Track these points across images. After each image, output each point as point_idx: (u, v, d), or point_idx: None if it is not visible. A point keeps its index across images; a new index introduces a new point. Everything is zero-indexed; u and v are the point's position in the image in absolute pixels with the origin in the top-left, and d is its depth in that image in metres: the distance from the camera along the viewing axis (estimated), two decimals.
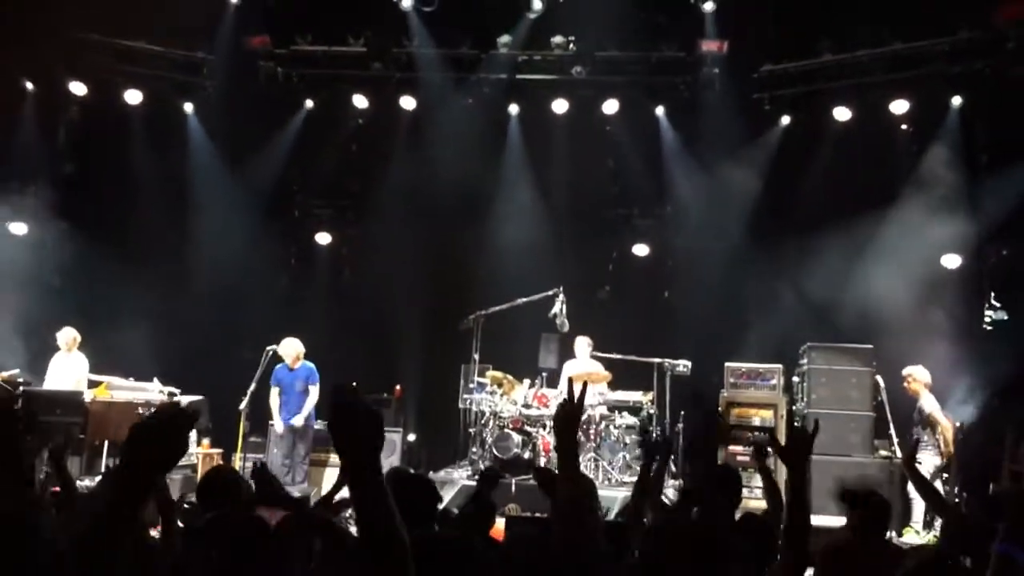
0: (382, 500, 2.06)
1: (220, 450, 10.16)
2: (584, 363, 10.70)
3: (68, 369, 9.95)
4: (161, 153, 12.17)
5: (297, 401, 9.93)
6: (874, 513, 4.69)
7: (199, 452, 9.77)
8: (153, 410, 3.23)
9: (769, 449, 9.34)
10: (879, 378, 9.70)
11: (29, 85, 11.65)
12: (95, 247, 11.10)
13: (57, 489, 5.28)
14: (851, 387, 9.92)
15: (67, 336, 10.02)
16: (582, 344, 10.75)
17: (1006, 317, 10.48)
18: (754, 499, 7.67)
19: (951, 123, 11.14)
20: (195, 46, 12.17)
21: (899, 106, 11.27)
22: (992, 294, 10.70)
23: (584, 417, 10.05)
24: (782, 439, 9.64)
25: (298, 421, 9.85)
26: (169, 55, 12.17)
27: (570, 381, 3.16)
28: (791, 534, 3.28)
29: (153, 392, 9.74)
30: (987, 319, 10.59)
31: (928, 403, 9.33)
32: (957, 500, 8.80)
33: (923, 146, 11.26)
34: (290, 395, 9.95)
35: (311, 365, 10.10)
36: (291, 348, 10.01)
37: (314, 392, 9.97)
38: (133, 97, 11.96)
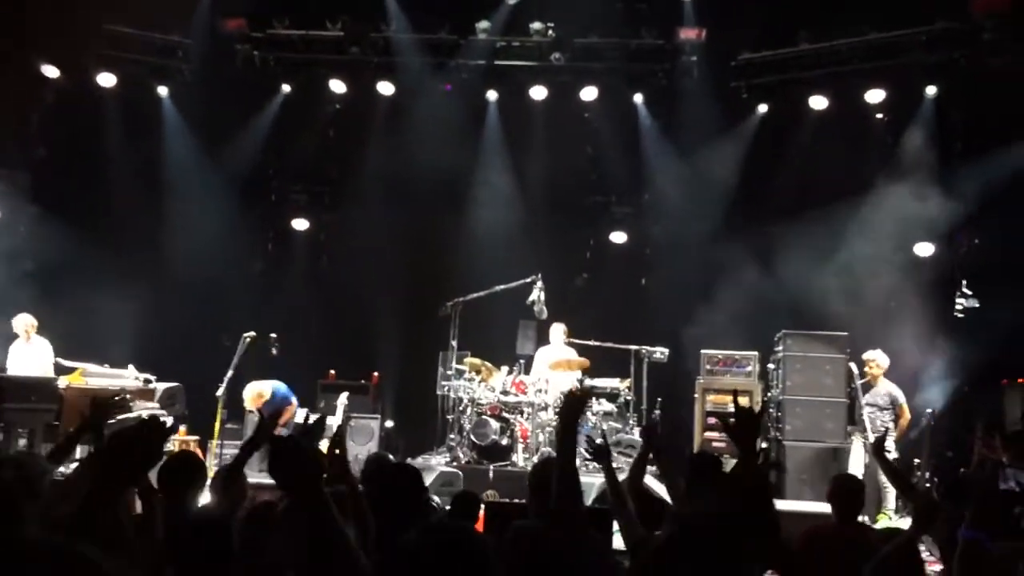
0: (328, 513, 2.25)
1: (196, 437, 10.09)
2: (558, 350, 10.74)
3: (30, 356, 9.70)
4: (136, 137, 12.05)
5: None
6: (849, 494, 4.78)
7: (176, 439, 9.70)
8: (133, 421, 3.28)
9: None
10: (853, 365, 9.81)
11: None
12: (69, 232, 10.98)
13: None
14: (825, 374, 10.03)
15: (23, 323, 9.74)
16: (557, 331, 10.79)
17: (977, 305, 10.62)
18: None
19: (926, 112, 11.26)
20: (171, 29, 12.02)
21: (875, 95, 11.37)
22: (964, 282, 10.84)
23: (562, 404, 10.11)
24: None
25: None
26: (144, 38, 12.01)
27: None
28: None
29: (129, 379, 9.65)
30: (959, 307, 10.73)
31: (897, 391, 9.47)
32: (928, 485, 8.94)
33: (898, 135, 11.37)
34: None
35: (282, 390, 9.79)
36: (251, 394, 9.53)
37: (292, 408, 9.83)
38: (107, 80, 11.81)
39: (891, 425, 9.28)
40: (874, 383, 9.54)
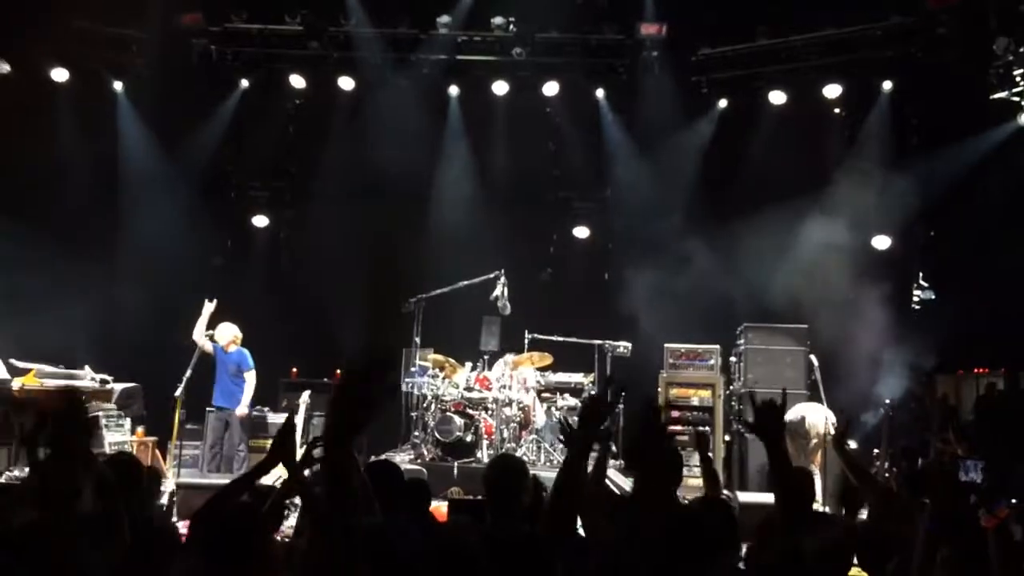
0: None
1: (155, 438, 9.94)
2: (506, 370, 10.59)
3: None
4: (90, 134, 11.80)
5: (228, 384, 9.76)
6: (798, 485, 4.84)
7: (133, 440, 9.54)
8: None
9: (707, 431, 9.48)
10: (813, 357, 9.91)
11: None
12: (22, 231, 10.75)
13: None
14: (786, 366, 10.13)
15: None
16: (505, 361, 10.63)
17: (934, 297, 10.80)
18: (693, 477, 7.79)
19: (882, 107, 11.42)
20: (125, 23, 11.80)
21: (832, 90, 11.50)
22: (920, 274, 11.02)
23: (531, 400, 10.11)
24: (719, 419, 9.72)
25: (242, 411, 9.68)
26: (98, 32, 11.78)
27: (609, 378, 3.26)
28: (783, 512, 3.18)
29: (85, 379, 9.48)
30: (916, 299, 10.90)
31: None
32: (887, 475, 9.06)
33: (855, 130, 11.53)
34: (221, 376, 9.81)
35: (245, 351, 9.90)
36: (226, 332, 9.82)
37: (250, 379, 9.79)
38: (60, 75, 11.57)
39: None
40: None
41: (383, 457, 10.10)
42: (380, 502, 3.56)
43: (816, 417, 9.23)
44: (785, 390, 3.73)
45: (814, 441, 9.17)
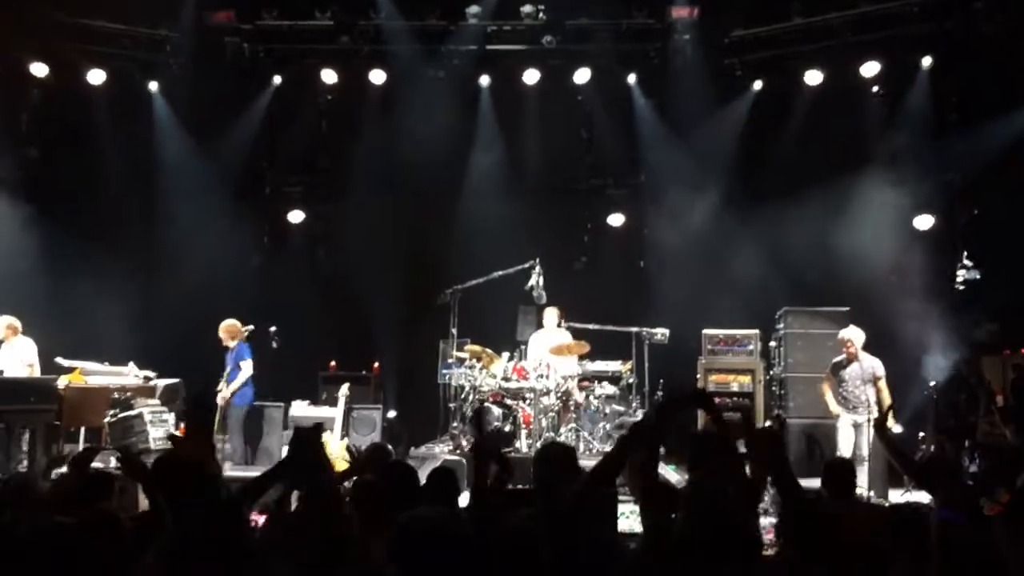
0: None
1: None
2: (553, 334, 10.67)
3: (11, 358, 9.53)
4: (127, 133, 11.97)
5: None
6: (840, 473, 4.79)
7: (178, 435, 9.67)
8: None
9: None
10: None
11: None
12: (63, 230, 10.95)
13: None
14: (827, 350, 9.92)
15: (3, 324, 9.54)
16: (551, 315, 10.72)
17: (978, 276, 10.58)
18: None
19: (921, 84, 11.18)
20: (158, 23, 11.94)
21: (869, 68, 11.28)
22: (964, 253, 10.80)
23: (564, 388, 10.08)
24: (759, 405, 9.62)
25: (224, 395, 9.72)
26: (131, 33, 11.93)
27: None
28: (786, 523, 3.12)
29: (129, 376, 9.63)
30: (960, 278, 10.69)
31: (878, 364, 9.07)
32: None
33: (894, 107, 11.31)
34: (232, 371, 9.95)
35: (244, 344, 9.96)
36: (224, 329, 9.86)
37: (245, 367, 9.84)
38: (96, 77, 11.73)
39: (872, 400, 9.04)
40: (855, 359, 9.12)
41: (421, 449, 10.20)
42: (400, 504, 3.59)
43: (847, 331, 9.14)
44: (785, 421, 3.65)
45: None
